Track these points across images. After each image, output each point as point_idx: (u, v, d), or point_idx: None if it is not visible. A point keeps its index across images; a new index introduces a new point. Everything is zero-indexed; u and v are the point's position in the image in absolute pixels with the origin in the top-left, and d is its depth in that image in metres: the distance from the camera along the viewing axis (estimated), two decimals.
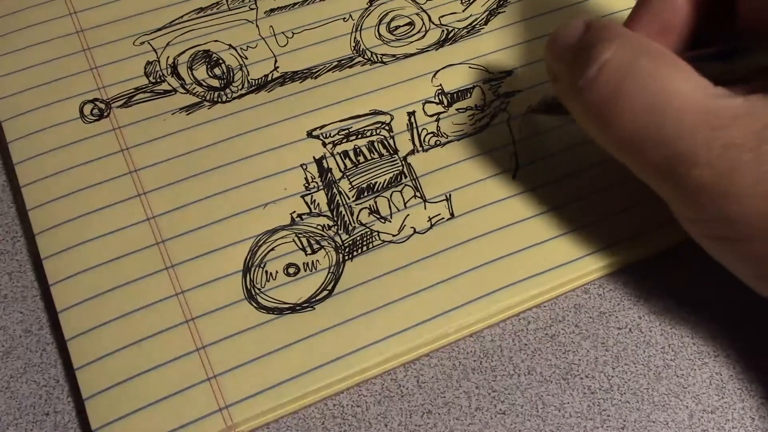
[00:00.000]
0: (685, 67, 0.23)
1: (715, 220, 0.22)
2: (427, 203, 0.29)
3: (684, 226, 0.24)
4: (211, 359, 0.25)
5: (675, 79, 0.22)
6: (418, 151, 0.30)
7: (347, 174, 0.29)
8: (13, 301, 0.28)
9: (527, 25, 0.33)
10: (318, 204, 0.28)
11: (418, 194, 0.29)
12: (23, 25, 0.33)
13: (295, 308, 0.26)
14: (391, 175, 0.29)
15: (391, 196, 0.29)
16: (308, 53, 0.32)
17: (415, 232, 0.28)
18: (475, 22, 0.33)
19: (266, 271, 0.27)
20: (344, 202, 0.29)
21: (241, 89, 0.31)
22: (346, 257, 0.27)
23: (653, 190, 0.24)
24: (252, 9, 0.33)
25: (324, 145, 0.30)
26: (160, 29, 0.33)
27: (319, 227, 0.28)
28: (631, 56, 0.23)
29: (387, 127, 0.30)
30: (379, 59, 0.32)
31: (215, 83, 0.31)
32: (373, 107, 0.31)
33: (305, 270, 0.27)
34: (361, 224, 0.28)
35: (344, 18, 0.33)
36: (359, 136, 0.30)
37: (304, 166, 0.29)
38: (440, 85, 0.31)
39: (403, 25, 0.33)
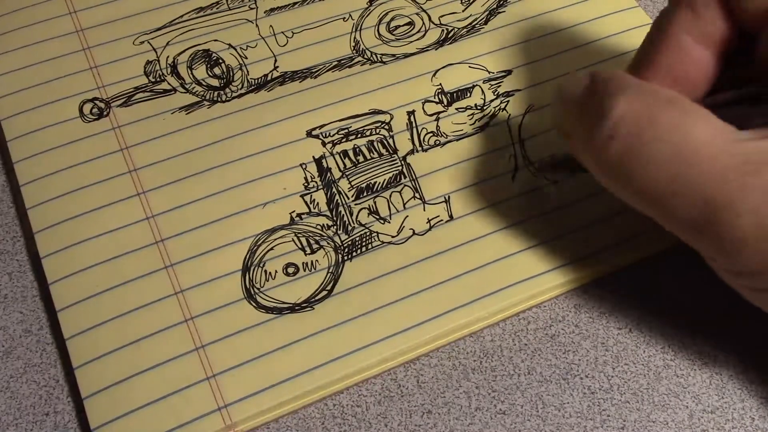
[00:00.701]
0: (706, 113, 0.21)
1: (762, 273, 0.21)
2: (426, 205, 0.29)
3: (724, 278, 0.23)
4: (210, 358, 0.25)
5: (697, 126, 0.21)
6: (417, 151, 0.30)
7: (347, 174, 0.29)
8: (13, 301, 0.28)
9: (527, 24, 0.33)
10: (317, 204, 0.28)
11: (417, 195, 0.29)
12: (23, 24, 0.33)
13: (294, 308, 0.26)
14: (390, 174, 0.29)
15: (390, 196, 0.29)
16: (308, 53, 0.32)
17: (414, 233, 0.28)
18: (475, 22, 0.33)
19: (265, 271, 0.27)
20: (344, 202, 0.29)
21: (240, 89, 0.31)
22: (346, 257, 0.27)
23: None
24: (252, 8, 0.33)
25: (323, 144, 0.30)
26: (159, 29, 0.33)
27: (319, 227, 0.28)
28: (646, 107, 0.21)
29: (386, 127, 0.30)
30: (379, 59, 0.32)
31: (215, 83, 0.31)
32: (372, 107, 0.31)
33: (304, 270, 0.27)
34: (361, 225, 0.28)
35: (344, 18, 0.33)
36: (359, 136, 0.30)
37: (304, 166, 0.29)
38: (440, 84, 0.31)
39: (402, 25, 0.33)
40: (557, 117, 0.25)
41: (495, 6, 0.34)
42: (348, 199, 0.29)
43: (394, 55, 0.32)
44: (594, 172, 0.23)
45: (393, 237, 0.28)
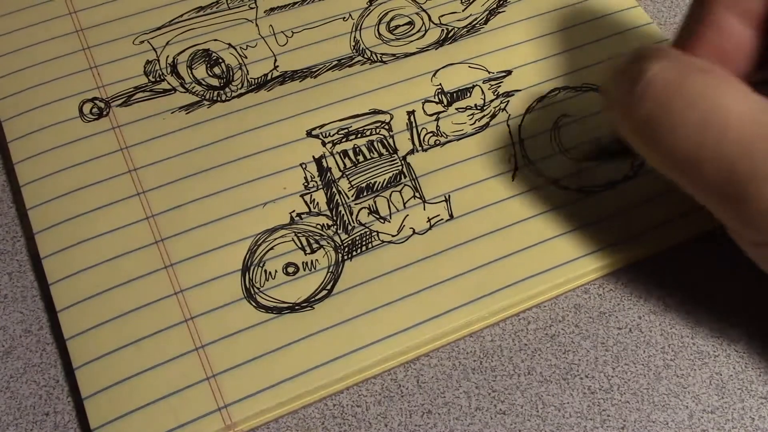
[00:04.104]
0: (738, 84, 0.21)
1: None
2: (426, 204, 0.29)
3: (746, 251, 0.23)
4: (210, 358, 0.25)
5: (727, 95, 0.21)
6: (417, 151, 0.30)
7: (347, 173, 0.29)
8: (13, 301, 0.28)
9: (527, 24, 0.33)
10: (317, 203, 0.28)
11: (417, 195, 0.29)
12: (23, 25, 0.33)
13: (294, 308, 0.26)
14: (390, 174, 0.29)
15: (390, 196, 0.29)
16: (308, 52, 0.32)
17: (414, 232, 0.28)
18: (475, 22, 0.33)
19: (265, 271, 0.27)
20: (343, 202, 0.29)
21: (240, 88, 0.31)
22: (345, 257, 0.27)
23: (710, 209, 0.23)
24: (252, 8, 0.33)
25: (323, 144, 0.30)
26: (159, 28, 0.33)
27: (319, 227, 0.28)
28: (679, 73, 0.22)
29: (386, 127, 0.30)
30: (379, 58, 0.32)
31: (215, 82, 0.31)
32: (372, 106, 0.31)
33: (304, 269, 0.27)
34: (361, 224, 0.28)
35: (344, 17, 0.33)
36: (359, 136, 0.30)
37: (304, 166, 0.29)
38: (440, 84, 0.31)
39: (402, 25, 0.33)
40: (602, 88, 0.25)
41: (495, 6, 0.34)
42: (348, 198, 0.29)
43: (394, 55, 0.32)
44: (626, 136, 0.24)
45: (393, 236, 0.28)
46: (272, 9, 0.33)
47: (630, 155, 0.25)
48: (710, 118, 0.21)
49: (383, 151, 0.30)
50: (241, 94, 0.31)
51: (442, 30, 0.33)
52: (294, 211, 0.28)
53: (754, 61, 0.24)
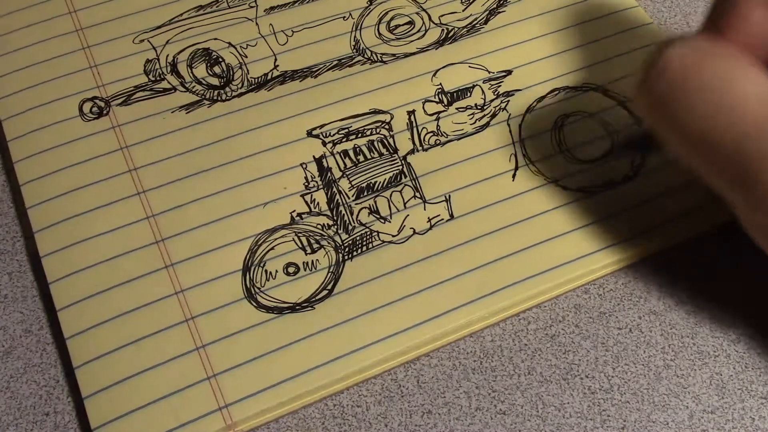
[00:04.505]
0: (756, 69, 0.22)
1: None
2: (426, 204, 0.29)
3: (753, 235, 0.23)
4: (211, 358, 0.25)
5: (743, 78, 0.22)
6: (417, 151, 0.30)
7: (347, 173, 0.29)
8: (13, 301, 0.27)
9: (527, 24, 0.33)
10: (318, 203, 0.28)
11: (417, 194, 0.29)
12: (23, 24, 0.33)
13: (294, 308, 0.26)
14: (390, 174, 0.29)
15: (390, 196, 0.29)
16: (308, 52, 0.32)
17: (414, 232, 0.28)
18: (475, 22, 0.33)
19: (266, 271, 0.27)
20: (344, 202, 0.28)
21: (240, 88, 0.31)
22: (346, 257, 0.27)
23: (724, 196, 0.23)
24: (252, 7, 0.33)
25: (324, 144, 0.30)
26: (159, 27, 0.33)
27: (319, 226, 0.28)
28: (697, 54, 0.22)
29: (387, 126, 0.30)
30: (379, 58, 0.32)
31: (215, 82, 0.31)
32: (372, 106, 0.31)
33: (305, 269, 0.27)
34: (361, 224, 0.28)
35: (344, 17, 0.33)
36: (359, 135, 0.30)
37: (304, 165, 0.29)
38: (440, 84, 0.31)
39: (403, 24, 0.33)
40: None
41: (495, 6, 0.34)
42: (348, 198, 0.29)
43: (394, 55, 0.32)
44: (642, 113, 0.24)
45: (393, 236, 0.28)
46: (272, 8, 0.33)
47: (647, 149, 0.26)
48: (725, 99, 0.21)
49: (383, 150, 0.30)
50: (241, 94, 0.31)
51: (443, 30, 0.33)
52: (294, 211, 0.28)
53: None
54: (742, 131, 0.21)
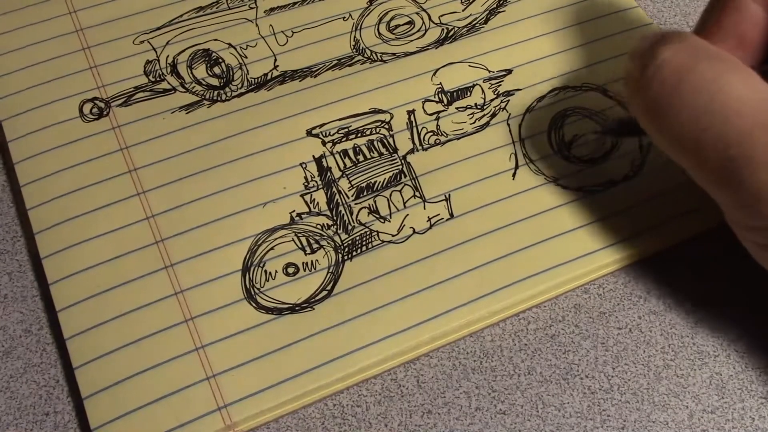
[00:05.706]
0: (748, 72, 0.22)
1: None
2: (426, 203, 0.29)
3: (738, 235, 0.24)
4: (210, 358, 0.25)
5: (734, 82, 0.22)
6: (417, 150, 0.30)
7: (347, 173, 0.29)
8: (13, 301, 0.28)
9: (527, 24, 0.33)
10: (317, 203, 0.28)
11: (417, 194, 0.29)
12: (23, 24, 0.33)
13: (294, 308, 0.26)
14: (390, 174, 0.29)
15: (390, 195, 0.29)
16: (308, 52, 0.32)
17: (414, 232, 0.28)
18: (475, 21, 0.33)
19: (265, 271, 0.27)
20: (344, 202, 0.28)
21: (240, 88, 0.31)
22: (346, 257, 0.27)
23: (711, 195, 0.23)
24: (252, 8, 0.33)
25: (323, 143, 0.30)
26: (159, 28, 0.33)
27: (319, 227, 0.28)
28: (690, 57, 0.22)
29: (387, 126, 0.30)
30: (379, 58, 0.32)
31: (215, 82, 0.31)
32: (372, 106, 0.31)
33: (304, 270, 0.27)
34: (361, 224, 0.28)
35: (344, 17, 0.33)
36: (359, 135, 0.30)
37: (304, 165, 0.29)
38: (440, 83, 0.31)
39: (402, 24, 0.33)
40: (624, 68, 0.26)
41: (495, 5, 0.34)
42: (348, 198, 0.29)
43: (394, 54, 0.32)
44: (636, 114, 0.24)
45: (393, 236, 0.28)
46: (272, 9, 0.33)
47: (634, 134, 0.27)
48: (715, 103, 0.22)
49: (383, 150, 0.30)
50: (241, 94, 0.31)
51: (442, 29, 0.33)
52: (294, 211, 0.28)
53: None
54: (731, 136, 0.21)
